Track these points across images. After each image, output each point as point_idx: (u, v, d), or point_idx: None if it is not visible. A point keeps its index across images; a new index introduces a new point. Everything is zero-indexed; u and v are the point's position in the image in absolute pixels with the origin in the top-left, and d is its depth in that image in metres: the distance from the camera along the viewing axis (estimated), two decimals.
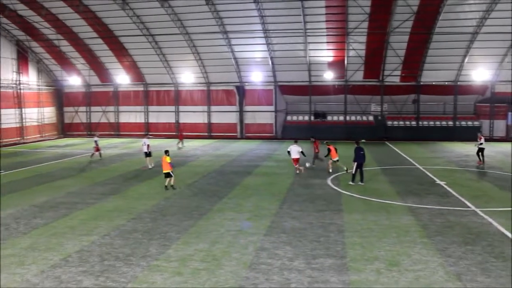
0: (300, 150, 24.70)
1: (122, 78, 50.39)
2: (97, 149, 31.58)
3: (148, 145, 27.74)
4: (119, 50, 47.17)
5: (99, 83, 52.05)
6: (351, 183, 21.35)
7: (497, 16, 39.26)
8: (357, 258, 11.26)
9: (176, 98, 51.07)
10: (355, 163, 21.36)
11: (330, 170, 24.68)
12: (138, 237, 13.15)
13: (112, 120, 52.74)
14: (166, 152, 20.97)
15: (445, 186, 20.77)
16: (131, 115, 52.28)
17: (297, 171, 24.72)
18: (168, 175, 20.37)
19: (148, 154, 27.62)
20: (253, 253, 11.68)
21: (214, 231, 13.65)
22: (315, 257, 11.38)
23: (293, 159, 24.81)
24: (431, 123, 48.27)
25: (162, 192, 19.82)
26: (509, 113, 48.29)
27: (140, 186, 21.30)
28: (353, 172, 21.49)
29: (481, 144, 28.39)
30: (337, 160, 24.61)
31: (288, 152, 25.03)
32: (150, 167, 26.96)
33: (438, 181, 22.11)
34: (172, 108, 51.23)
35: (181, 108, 51.12)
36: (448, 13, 39.71)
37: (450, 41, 42.43)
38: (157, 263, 11.06)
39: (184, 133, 42.04)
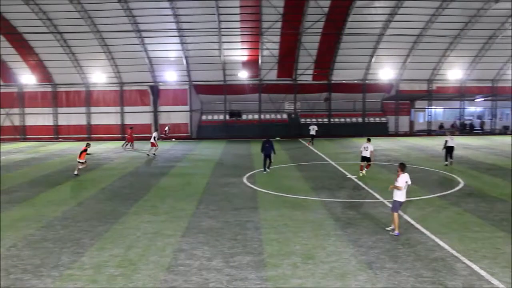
0: (157, 136, 33.98)
1: (27, 78, 47.64)
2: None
3: None
4: (24, 48, 44.57)
5: (1, 84, 48.74)
6: (264, 171, 24.29)
7: (400, 20, 41.84)
8: (274, 254, 11.42)
9: (87, 99, 49.12)
10: (263, 154, 24.50)
11: (75, 172, 24.62)
12: (49, 246, 12.43)
13: (17, 123, 49.61)
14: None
15: (356, 180, 21.70)
16: (39, 117, 49.47)
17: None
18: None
19: None
20: (171, 255, 11.47)
21: (130, 235, 13.25)
22: (233, 255, 11.41)
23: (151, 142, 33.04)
24: (342, 120, 50.28)
25: (73, 197, 18.94)
26: (412, 110, 51.56)
27: (50, 192, 20.18)
28: (263, 161, 24.57)
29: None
30: (84, 162, 24.79)
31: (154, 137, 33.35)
32: None
33: (349, 175, 23.03)
34: (83, 109, 49.23)
35: (93, 109, 49.27)
36: (356, 15, 41.57)
37: (358, 41, 44.46)
38: (70, 272, 10.51)
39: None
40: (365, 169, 23.15)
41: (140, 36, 43.13)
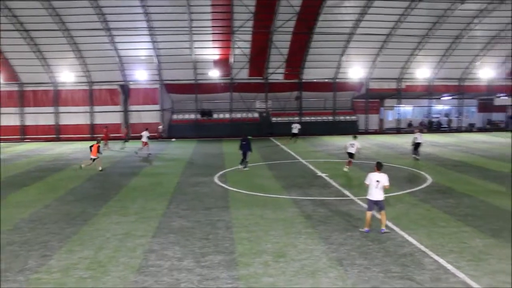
0: (148, 135, 33.39)
1: None
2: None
3: None
4: None
5: None
6: (239, 167, 24.96)
7: (370, 19, 42.38)
8: (245, 253, 11.43)
9: (56, 98, 48.14)
10: (241, 151, 25.03)
11: (82, 166, 25.94)
12: (15, 249, 12.13)
13: None
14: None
15: (326, 178, 21.89)
16: (5, 118, 48.15)
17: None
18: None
19: None
20: (141, 256, 11.35)
21: (99, 237, 13.05)
22: (204, 255, 11.37)
23: (143, 142, 32.73)
24: (313, 118, 50.64)
25: (41, 199, 18.54)
26: (381, 108, 52.30)
27: (16, 194, 19.72)
28: (242, 158, 25.05)
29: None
30: (94, 159, 25.42)
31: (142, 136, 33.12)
32: None
33: (319, 173, 23.23)
34: (51, 109, 48.21)
35: (62, 109, 48.30)
36: (327, 14, 41.93)
37: (329, 40, 44.85)
38: (38, 276, 10.26)
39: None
40: (347, 166, 23.76)
41: (110, 35, 42.53)
